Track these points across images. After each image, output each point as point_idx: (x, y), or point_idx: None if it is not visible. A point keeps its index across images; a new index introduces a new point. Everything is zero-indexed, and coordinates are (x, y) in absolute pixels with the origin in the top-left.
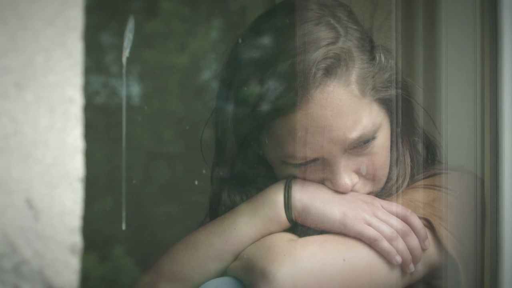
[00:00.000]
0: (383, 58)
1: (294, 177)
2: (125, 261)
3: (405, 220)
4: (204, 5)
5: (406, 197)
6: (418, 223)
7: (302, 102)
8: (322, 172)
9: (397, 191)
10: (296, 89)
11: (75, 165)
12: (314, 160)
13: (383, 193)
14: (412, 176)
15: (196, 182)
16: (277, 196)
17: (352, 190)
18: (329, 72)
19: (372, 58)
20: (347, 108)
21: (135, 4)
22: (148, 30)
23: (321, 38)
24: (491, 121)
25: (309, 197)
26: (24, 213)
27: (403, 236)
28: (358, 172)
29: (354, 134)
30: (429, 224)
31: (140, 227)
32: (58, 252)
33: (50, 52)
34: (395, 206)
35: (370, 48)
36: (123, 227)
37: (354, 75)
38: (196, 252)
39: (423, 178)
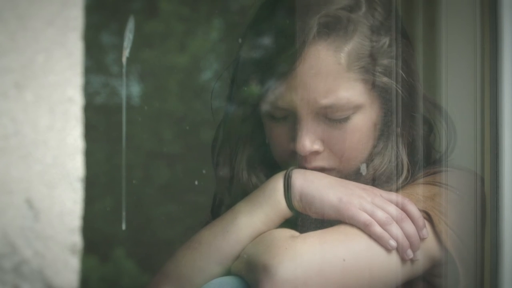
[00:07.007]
0: (387, 44)
1: (294, 168)
2: (125, 261)
3: (402, 208)
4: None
5: (407, 191)
6: (415, 211)
7: (298, 56)
8: (292, 131)
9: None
10: (296, 44)
11: (75, 165)
12: (288, 114)
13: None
14: (412, 174)
15: (196, 182)
16: (277, 184)
17: (313, 160)
18: (324, 32)
19: (377, 40)
20: (326, 72)
21: (135, 4)
22: (148, 30)
23: (336, 1)
24: (491, 121)
25: (308, 185)
26: (24, 213)
27: (399, 222)
28: (325, 142)
29: (324, 101)
30: (428, 217)
31: (140, 227)
32: (58, 252)
33: (50, 52)
34: (394, 196)
35: (384, 33)
36: (123, 227)
37: (349, 46)
38: (200, 252)
39: (424, 176)
